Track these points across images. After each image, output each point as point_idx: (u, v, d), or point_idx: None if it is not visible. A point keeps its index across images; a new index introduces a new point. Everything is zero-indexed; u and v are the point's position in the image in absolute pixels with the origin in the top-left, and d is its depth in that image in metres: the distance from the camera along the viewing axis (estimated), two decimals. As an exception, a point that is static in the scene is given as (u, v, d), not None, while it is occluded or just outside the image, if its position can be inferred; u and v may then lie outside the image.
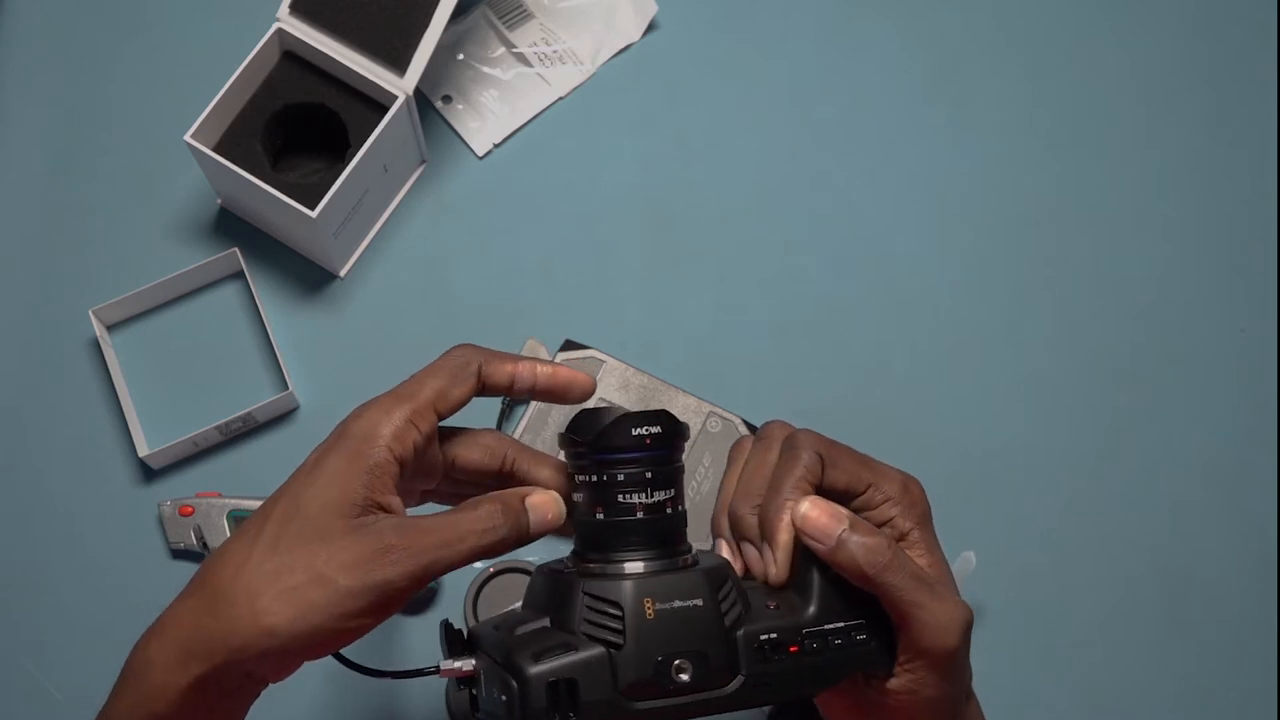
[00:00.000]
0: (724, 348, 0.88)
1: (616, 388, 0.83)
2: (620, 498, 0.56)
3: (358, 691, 0.80)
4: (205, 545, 0.82)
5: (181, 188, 0.91)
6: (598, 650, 0.54)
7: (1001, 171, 0.93)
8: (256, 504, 0.81)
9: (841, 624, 0.57)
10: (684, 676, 0.54)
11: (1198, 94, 0.95)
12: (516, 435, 0.82)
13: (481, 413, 0.85)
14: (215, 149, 0.84)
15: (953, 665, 0.57)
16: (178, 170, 0.90)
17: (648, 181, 0.92)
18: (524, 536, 0.56)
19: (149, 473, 0.85)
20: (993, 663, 0.82)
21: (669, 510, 0.57)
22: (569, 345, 0.84)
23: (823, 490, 0.59)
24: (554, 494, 0.58)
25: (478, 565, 0.83)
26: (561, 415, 0.82)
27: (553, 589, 0.56)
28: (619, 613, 0.54)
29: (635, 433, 0.56)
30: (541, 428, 0.82)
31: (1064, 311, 0.90)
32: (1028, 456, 0.86)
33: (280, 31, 0.85)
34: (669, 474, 0.57)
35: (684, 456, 0.59)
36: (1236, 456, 0.87)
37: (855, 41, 0.96)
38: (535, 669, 0.53)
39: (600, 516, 0.57)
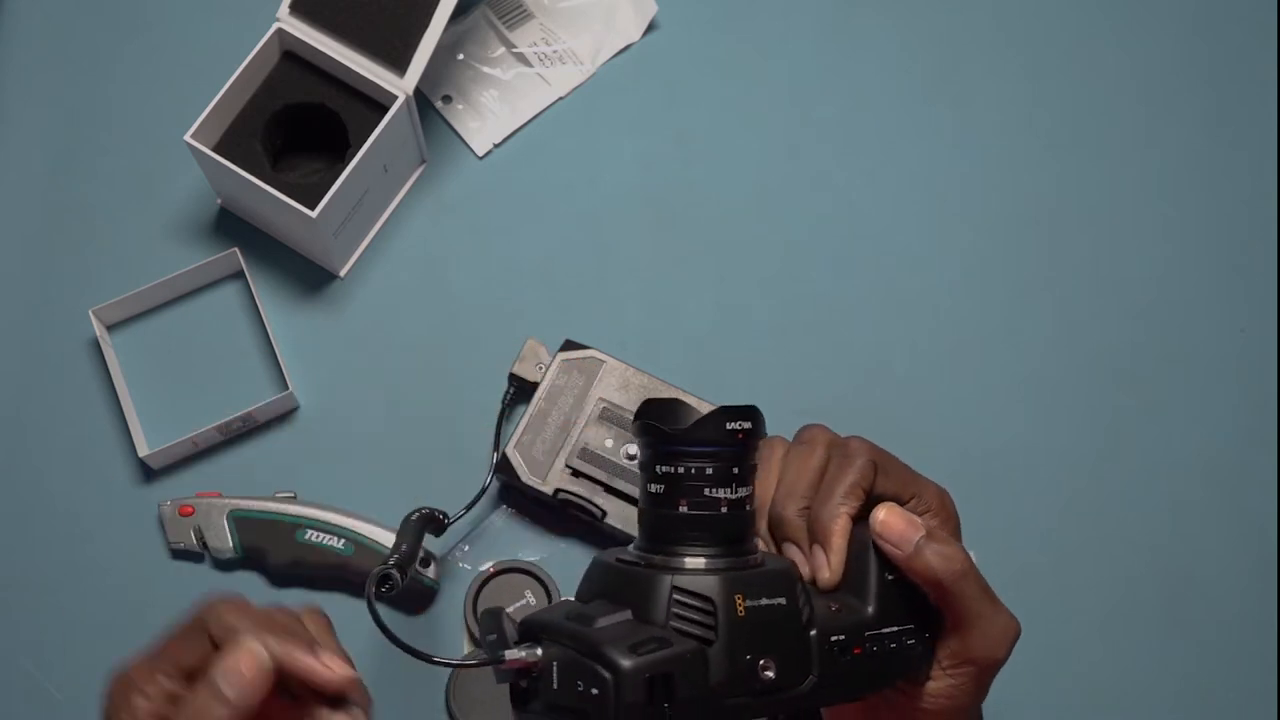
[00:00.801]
0: (724, 348, 0.88)
1: (616, 388, 0.83)
2: (707, 491, 0.56)
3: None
4: (205, 545, 0.82)
5: (181, 188, 0.91)
6: (692, 645, 0.53)
7: (1001, 171, 0.93)
8: (257, 504, 0.82)
9: (897, 628, 0.58)
10: (769, 674, 0.54)
11: (1198, 94, 0.95)
12: (516, 436, 0.82)
13: (481, 412, 0.85)
14: (215, 149, 0.84)
15: (992, 675, 0.60)
16: (178, 170, 0.90)
17: (648, 181, 0.92)
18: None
19: (149, 473, 0.85)
20: (993, 663, 0.82)
21: (747, 507, 0.57)
22: (569, 345, 0.84)
23: (872, 496, 0.60)
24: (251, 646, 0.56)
25: (483, 566, 0.83)
26: (561, 417, 0.82)
27: (630, 581, 0.55)
28: (711, 608, 0.54)
29: (730, 427, 0.56)
30: (541, 428, 0.82)
31: (1064, 311, 0.90)
32: (1028, 456, 0.86)
33: (280, 31, 0.85)
34: (751, 470, 0.57)
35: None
36: (1236, 456, 0.87)
37: (855, 41, 0.96)
38: (632, 662, 0.52)
39: (684, 510, 0.56)
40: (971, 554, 0.78)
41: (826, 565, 0.59)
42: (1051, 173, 0.93)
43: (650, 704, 0.52)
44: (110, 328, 0.88)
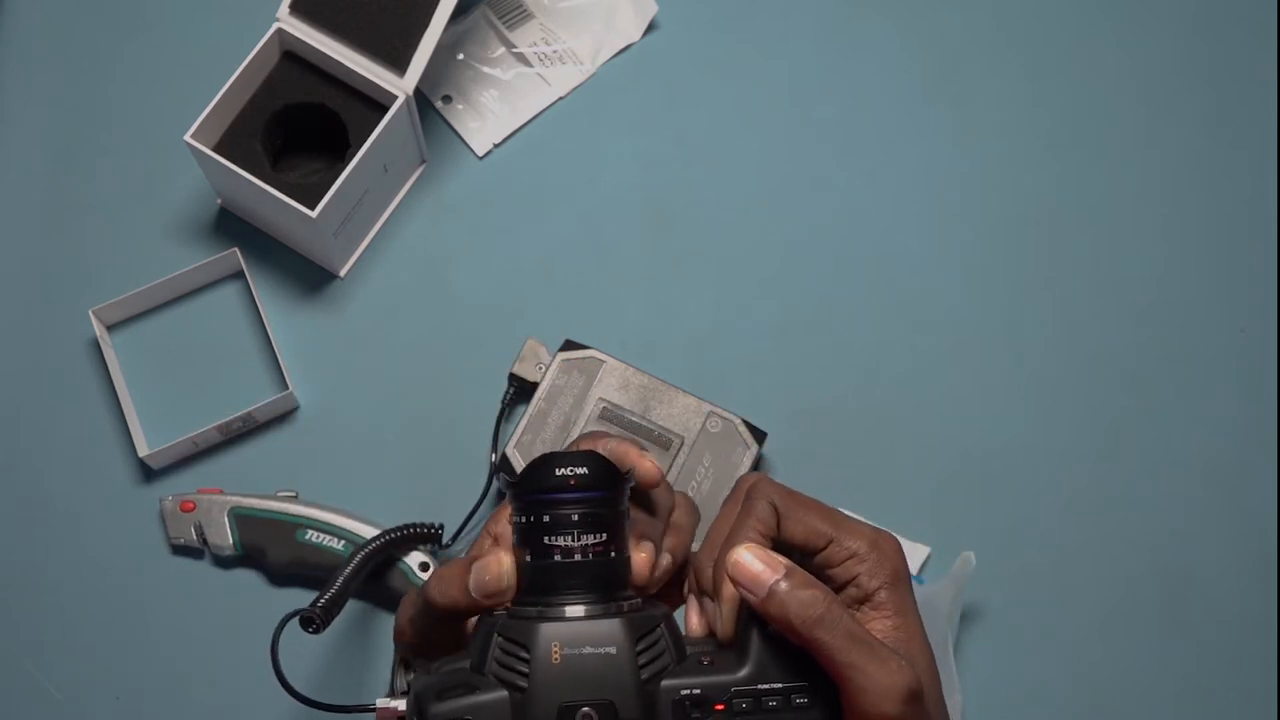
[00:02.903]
0: (724, 348, 0.88)
1: (616, 388, 0.83)
2: (546, 539, 0.54)
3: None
4: (205, 542, 0.82)
5: (181, 188, 0.91)
6: (500, 693, 0.52)
7: (1001, 171, 0.93)
8: (258, 502, 0.82)
9: (779, 685, 0.53)
10: None
11: (1198, 94, 0.95)
12: (516, 436, 0.82)
13: (481, 412, 0.85)
14: (215, 149, 0.84)
15: None
16: (178, 170, 0.90)
17: (648, 181, 0.92)
18: (461, 601, 0.55)
19: (149, 473, 0.85)
20: (993, 663, 0.82)
21: (603, 555, 0.55)
22: (569, 345, 0.84)
23: (780, 544, 0.56)
24: (500, 554, 0.56)
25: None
26: (561, 417, 0.82)
27: (482, 631, 0.55)
28: (526, 655, 0.52)
29: (559, 473, 0.54)
30: (541, 428, 0.82)
31: (1064, 311, 0.90)
32: (1028, 456, 0.86)
33: (280, 31, 0.85)
34: (599, 517, 0.55)
35: (625, 500, 0.56)
36: (1236, 456, 0.87)
37: (855, 41, 0.96)
38: (435, 707, 0.52)
39: (528, 559, 0.55)
40: (970, 554, 0.79)
41: (719, 615, 0.55)
42: (1051, 173, 0.93)
43: None
44: (110, 328, 0.88)
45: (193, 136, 0.83)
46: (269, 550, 0.81)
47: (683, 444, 0.81)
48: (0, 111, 0.93)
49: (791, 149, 0.93)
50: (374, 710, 0.56)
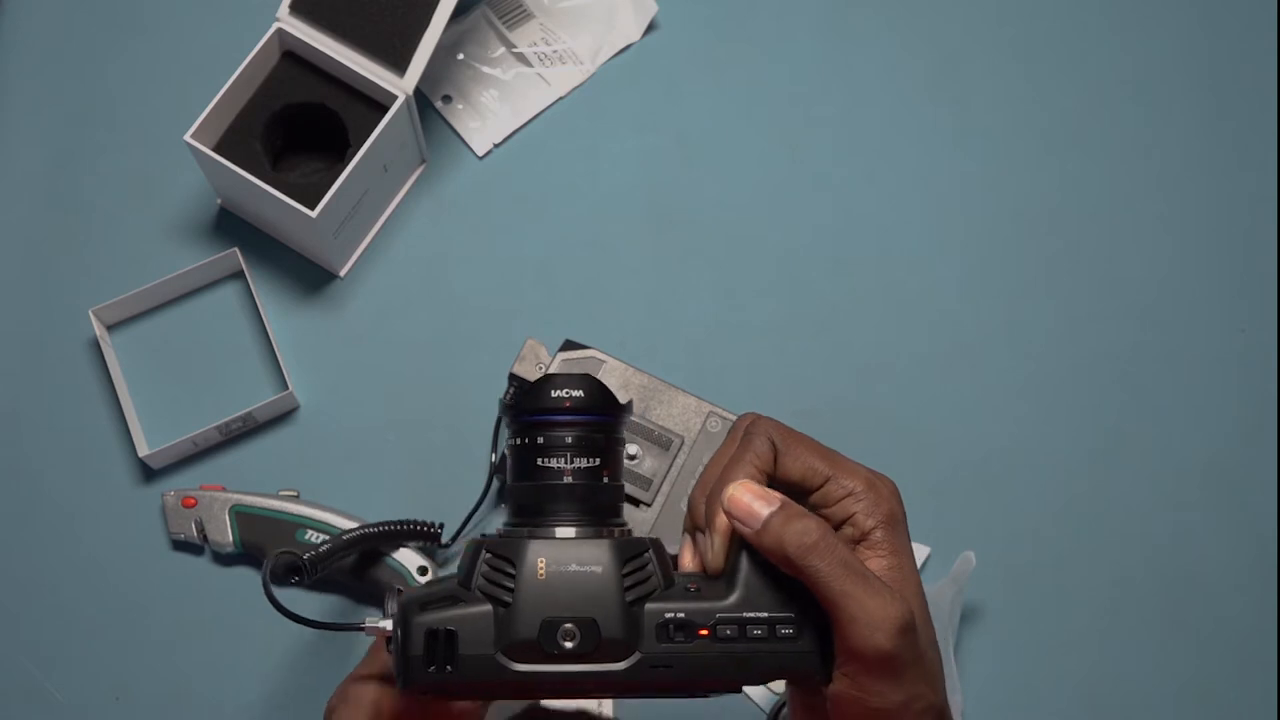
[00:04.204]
0: (724, 347, 0.88)
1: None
2: (539, 461, 0.55)
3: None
4: (205, 538, 0.82)
5: (181, 188, 0.91)
6: (484, 606, 0.52)
7: (1001, 171, 0.93)
8: (259, 500, 0.82)
9: (765, 614, 0.54)
10: (569, 644, 0.52)
11: (1198, 93, 0.95)
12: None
13: (481, 412, 0.85)
14: (215, 149, 0.84)
15: (892, 670, 0.52)
16: (178, 170, 0.90)
17: (648, 181, 0.92)
18: None
19: (149, 473, 0.85)
20: (993, 663, 0.82)
21: (594, 480, 0.55)
22: (569, 345, 0.84)
23: (777, 481, 0.56)
24: None
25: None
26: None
27: (470, 549, 0.55)
28: (511, 570, 0.53)
29: (555, 395, 0.55)
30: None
31: (1064, 311, 0.90)
32: (1028, 456, 0.86)
33: (280, 31, 0.85)
34: (592, 441, 0.55)
35: (623, 430, 0.56)
36: (1236, 456, 0.87)
37: (855, 41, 0.96)
38: (418, 618, 0.52)
39: (523, 480, 0.55)
40: (970, 554, 0.79)
41: (709, 549, 0.55)
42: (1051, 173, 0.93)
43: (431, 658, 0.52)
44: (110, 328, 0.88)
45: (193, 136, 0.83)
46: (268, 549, 0.81)
47: (683, 444, 0.81)
48: (0, 111, 0.93)
49: (791, 149, 0.93)
50: (364, 629, 0.57)
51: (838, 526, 0.56)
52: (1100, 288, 0.90)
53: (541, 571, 0.53)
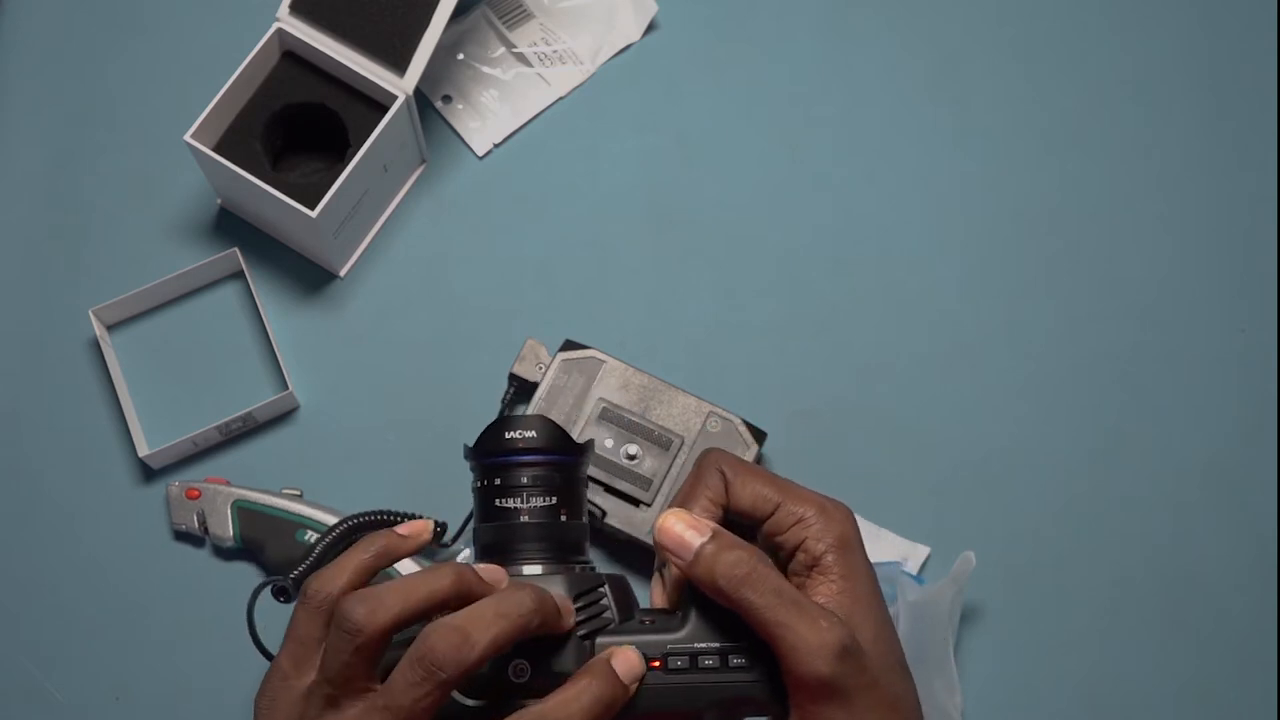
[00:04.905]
0: (724, 347, 0.88)
1: (617, 388, 0.83)
2: (497, 501, 0.56)
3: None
4: (206, 530, 0.82)
5: (181, 188, 0.91)
6: None
7: (1001, 171, 0.93)
8: (262, 497, 0.82)
9: (716, 645, 0.54)
10: (517, 679, 0.53)
11: (1198, 93, 0.95)
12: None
13: (481, 412, 0.85)
14: (215, 149, 0.84)
15: (837, 696, 0.51)
16: (178, 170, 0.90)
17: (648, 181, 0.92)
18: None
19: (149, 473, 0.85)
20: (993, 663, 0.82)
21: (551, 518, 0.56)
22: (569, 345, 0.84)
23: (730, 512, 0.56)
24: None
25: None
26: (561, 417, 0.82)
27: None
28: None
29: (509, 436, 0.56)
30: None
31: (1064, 311, 0.90)
32: (1028, 456, 0.86)
33: (280, 31, 0.85)
34: (549, 480, 0.56)
35: (583, 470, 0.57)
36: (1236, 456, 0.87)
37: (855, 41, 0.96)
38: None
39: (484, 521, 0.57)
40: (970, 554, 0.79)
41: (661, 582, 0.56)
42: (1051, 172, 0.93)
43: None
44: (110, 328, 0.88)
45: (193, 136, 0.83)
46: (267, 546, 0.81)
47: (683, 444, 0.81)
48: (0, 111, 0.93)
49: (791, 149, 0.93)
50: None
51: (790, 554, 0.56)
52: (1100, 288, 0.90)
53: None
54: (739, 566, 0.52)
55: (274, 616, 0.69)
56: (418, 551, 0.60)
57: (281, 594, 0.73)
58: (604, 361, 0.83)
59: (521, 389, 0.85)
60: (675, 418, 0.82)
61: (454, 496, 0.82)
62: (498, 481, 0.56)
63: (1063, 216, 0.92)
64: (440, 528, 0.80)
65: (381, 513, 0.80)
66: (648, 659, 0.54)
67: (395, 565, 0.80)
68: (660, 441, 0.81)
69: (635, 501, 0.80)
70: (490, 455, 0.57)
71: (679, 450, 0.81)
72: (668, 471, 0.81)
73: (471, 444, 0.58)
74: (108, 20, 0.95)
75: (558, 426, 0.57)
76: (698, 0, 0.96)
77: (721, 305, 0.89)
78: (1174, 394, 0.88)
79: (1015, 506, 0.85)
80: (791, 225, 0.91)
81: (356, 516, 0.79)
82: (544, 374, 0.83)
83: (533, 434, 0.56)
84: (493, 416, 0.84)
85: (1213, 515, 0.85)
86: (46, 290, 0.89)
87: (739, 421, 0.82)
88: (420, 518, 0.80)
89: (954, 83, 0.95)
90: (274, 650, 0.58)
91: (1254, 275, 0.91)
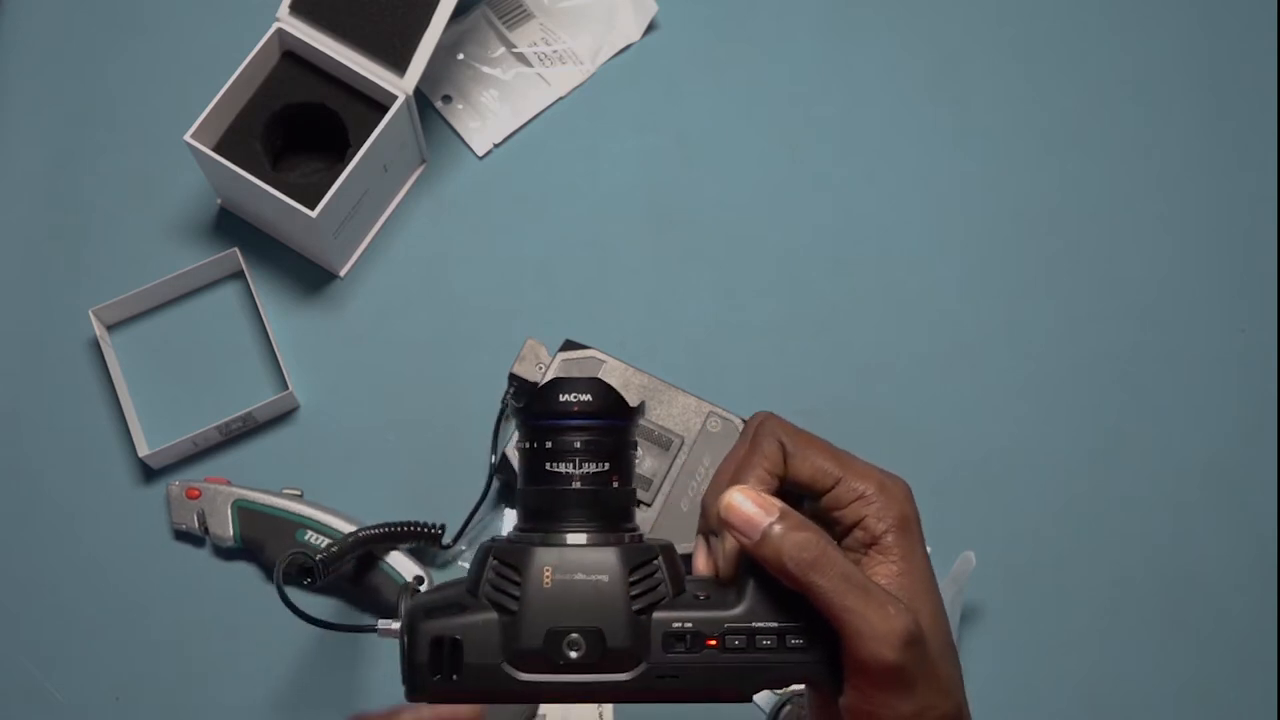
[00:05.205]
0: (724, 347, 0.88)
1: (617, 388, 0.82)
2: (548, 465, 0.54)
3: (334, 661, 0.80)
4: (206, 530, 0.82)
5: (181, 188, 0.91)
6: (490, 614, 0.52)
7: (1001, 171, 0.93)
8: (262, 497, 0.82)
9: (774, 624, 0.53)
10: (574, 653, 0.51)
11: (1198, 93, 0.95)
12: (516, 436, 0.82)
13: (481, 412, 0.85)
14: (215, 149, 0.84)
15: (900, 683, 0.50)
16: (178, 170, 0.90)
17: (648, 181, 0.92)
18: None
19: (149, 473, 0.85)
20: (993, 663, 0.82)
21: (603, 485, 0.54)
22: (569, 345, 0.84)
23: (787, 483, 0.55)
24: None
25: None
26: (561, 415, 0.82)
27: (479, 554, 0.54)
28: (517, 578, 0.52)
29: (564, 399, 0.54)
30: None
31: (1064, 311, 0.90)
32: (1027, 457, 0.86)
33: (280, 31, 0.85)
34: (601, 445, 0.54)
35: (633, 434, 0.56)
36: (1236, 456, 0.87)
37: (855, 41, 0.96)
38: (424, 624, 0.52)
39: (531, 485, 0.55)
40: (970, 554, 0.79)
41: (721, 554, 0.54)
42: (1051, 172, 0.93)
43: (436, 666, 0.52)
44: (110, 328, 0.88)
45: (193, 136, 0.83)
46: (267, 546, 0.81)
47: (683, 444, 0.81)
48: (0, 111, 0.93)
49: (791, 149, 0.93)
50: (377, 631, 0.57)
51: (849, 530, 0.55)
52: (1100, 288, 0.90)
53: (548, 580, 0.52)
54: (807, 549, 0.51)
55: (282, 640, 0.67)
56: None
57: (307, 574, 0.73)
58: (604, 361, 0.83)
59: (521, 389, 0.84)
60: (675, 418, 0.82)
61: (454, 496, 0.82)
62: (549, 445, 0.54)
63: (1063, 216, 0.92)
64: (439, 529, 0.80)
65: (403, 524, 0.80)
66: (702, 637, 0.53)
67: (393, 563, 0.80)
68: (660, 441, 0.81)
69: (636, 502, 0.80)
70: (543, 417, 0.54)
71: (679, 450, 0.81)
72: (668, 471, 0.81)
73: (520, 403, 0.55)
74: (108, 20, 0.95)
75: (611, 389, 0.55)
76: (698, 0, 0.96)
77: (721, 305, 0.89)
78: (1174, 394, 0.88)
79: (1015, 506, 0.85)
80: (791, 225, 0.91)
81: (381, 526, 0.79)
82: (544, 374, 0.83)
83: (588, 397, 0.54)
84: (493, 416, 0.84)
85: (1213, 515, 0.85)
86: (46, 290, 0.89)
87: (739, 421, 0.82)
88: (434, 526, 0.80)
89: (954, 83, 0.95)
90: (308, 610, 0.58)
91: (1254, 275, 0.91)
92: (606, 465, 0.54)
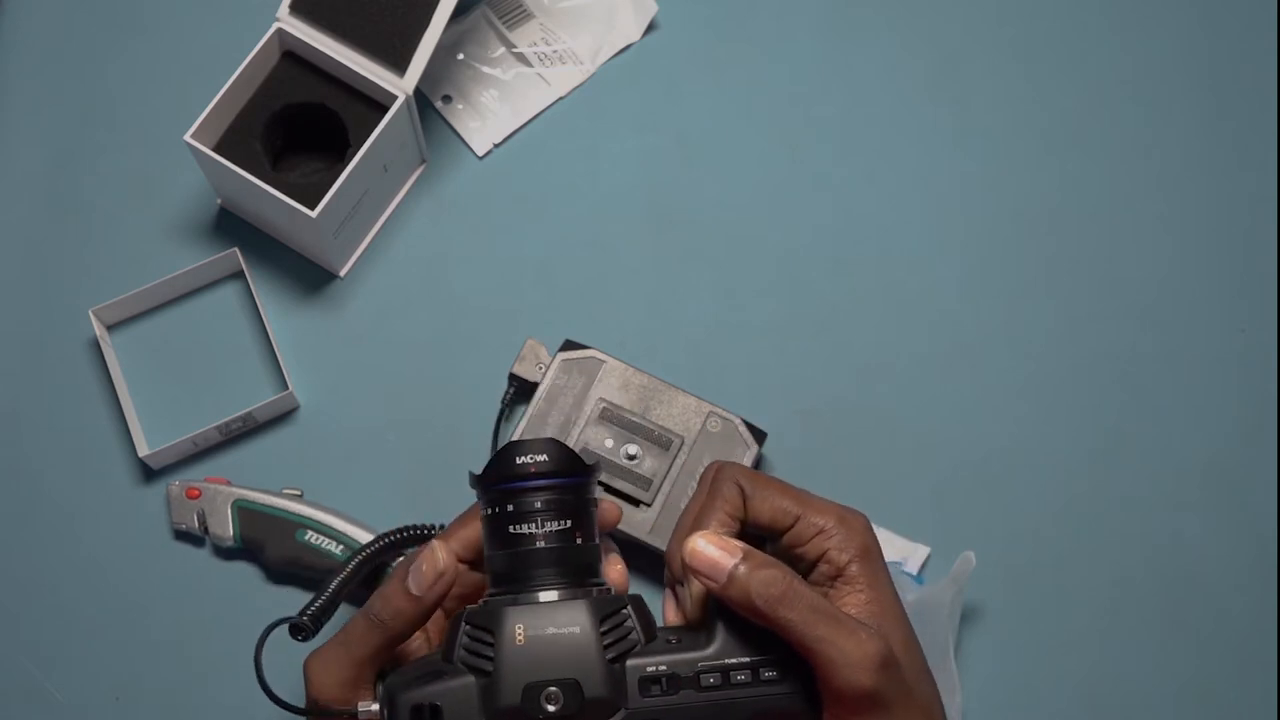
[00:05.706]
0: (724, 347, 0.88)
1: (617, 388, 0.83)
2: (511, 528, 0.55)
3: None
4: (206, 530, 0.82)
5: (181, 188, 0.91)
6: (466, 678, 0.53)
7: (1001, 171, 0.93)
8: (262, 497, 0.82)
9: (747, 659, 0.54)
10: (552, 707, 0.52)
11: (1198, 93, 0.95)
12: (516, 436, 0.82)
13: (481, 412, 0.85)
14: (215, 149, 0.84)
15: (878, 707, 0.51)
16: (178, 170, 0.90)
17: (648, 181, 0.92)
18: (408, 609, 0.56)
19: (149, 473, 0.85)
20: (993, 663, 0.82)
21: (567, 542, 0.55)
22: (569, 345, 0.84)
23: (748, 526, 0.56)
24: (429, 547, 0.57)
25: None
26: (561, 417, 0.82)
27: (452, 623, 0.56)
28: (490, 639, 0.53)
29: (520, 461, 0.55)
30: (541, 428, 0.82)
31: (1064, 312, 0.90)
32: (1028, 456, 0.86)
33: (280, 31, 0.85)
34: (564, 503, 0.55)
35: (593, 490, 0.57)
36: (1236, 456, 0.87)
37: (855, 41, 0.96)
38: (403, 695, 0.53)
39: (497, 549, 0.56)
40: (970, 554, 0.79)
41: (689, 601, 0.55)
42: (1051, 172, 0.93)
43: None
44: (110, 328, 0.88)
45: (193, 136, 0.83)
46: (267, 546, 0.81)
47: (683, 444, 0.81)
48: (0, 111, 0.93)
49: (791, 149, 0.93)
50: (358, 715, 0.57)
51: (813, 565, 0.56)
52: (1100, 288, 0.90)
53: (520, 637, 0.53)
54: (774, 585, 0.52)
55: (279, 651, 0.64)
56: None
57: (299, 633, 0.67)
58: (604, 361, 0.83)
59: (521, 389, 0.85)
60: (675, 418, 0.82)
61: (454, 496, 0.82)
62: (510, 508, 0.55)
63: (1063, 216, 0.92)
64: (440, 530, 0.80)
65: (400, 530, 0.79)
66: (679, 678, 0.54)
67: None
68: (660, 441, 0.81)
69: (635, 501, 0.80)
70: (501, 482, 0.56)
71: (679, 450, 0.81)
72: (668, 471, 0.81)
73: (479, 472, 0.57)
74: (108, 20, 0.95)
75: (567, 447, 0.56)
76: (698, 0, 0.96)
77: (721, 305, 0.89)
78: (1174, 394, 0.88)
79: (1015, 506, 0.85)
80: (791, 225, 0.91)
81: (373, 544, 0.78)
82: (544, 374, 0.83)
83: (544, 458, 0.55)
84: (493, 416, 0.84)
85: (1213, 515, 0.85)
86: (46, 290, 0.89)
87: (739, 421, 0.82)
88: (430, 527, 0.80)
89: (954, 83, 0.95)
90: (286, 697, 0.58)
91: (1254, 275, 0.91)
92: (569, 523, 0.55)
